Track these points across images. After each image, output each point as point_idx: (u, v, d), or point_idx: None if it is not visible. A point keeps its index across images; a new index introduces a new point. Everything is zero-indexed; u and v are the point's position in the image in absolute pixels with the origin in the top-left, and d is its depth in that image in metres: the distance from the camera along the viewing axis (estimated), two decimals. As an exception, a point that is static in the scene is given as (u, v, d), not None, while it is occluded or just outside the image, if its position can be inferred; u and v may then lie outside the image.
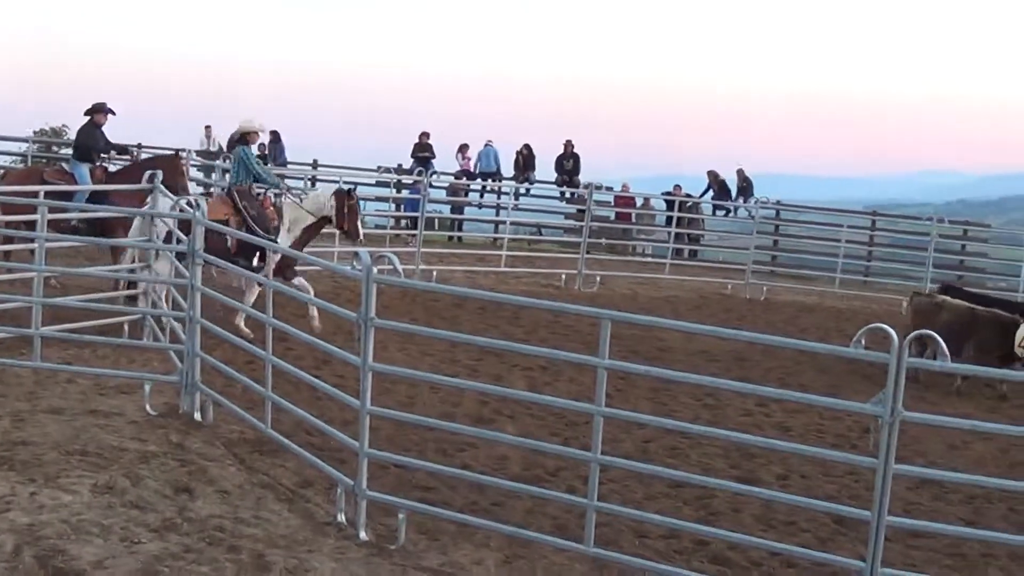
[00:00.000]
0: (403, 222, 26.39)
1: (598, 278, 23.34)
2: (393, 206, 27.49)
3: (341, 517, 8.78)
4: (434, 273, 21.55)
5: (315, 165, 31.35)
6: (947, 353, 7.48)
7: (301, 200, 16.41)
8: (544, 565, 8.32)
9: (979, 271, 30.43)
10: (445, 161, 31.46)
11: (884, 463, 7.12)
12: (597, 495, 8.15)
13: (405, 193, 28.41)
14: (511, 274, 23.62)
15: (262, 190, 16.21)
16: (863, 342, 7.44)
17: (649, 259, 28.12)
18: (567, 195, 29.85)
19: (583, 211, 25.08)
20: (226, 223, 15.35)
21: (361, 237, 16.80)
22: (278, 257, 14.73)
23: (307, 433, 10.50)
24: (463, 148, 31.55)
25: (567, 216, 29.79)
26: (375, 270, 8.49)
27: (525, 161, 31.34)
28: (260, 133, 16.94)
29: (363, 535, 8.50)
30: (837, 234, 27.47)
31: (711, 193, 30.90)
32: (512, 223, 27.86)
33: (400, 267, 9.96)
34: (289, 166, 31.15)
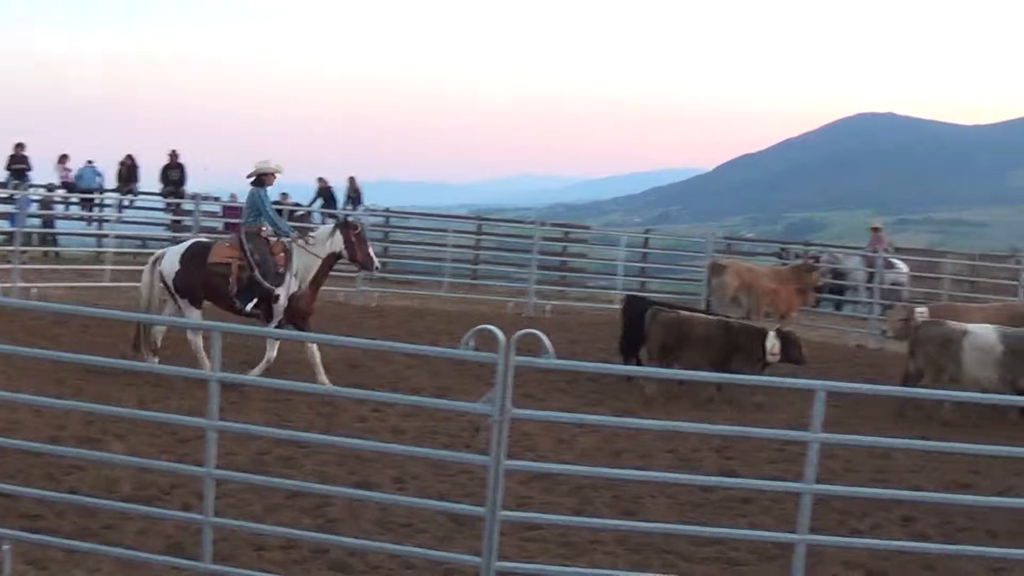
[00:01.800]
0: (-1, 237, 25.13)
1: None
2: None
3: (-63, 553, 8.26)
4: (33, 291, 20.60)
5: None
6: (551, 350, 7.72)
7: (308, 244, 15.92)
8: (160, 586, 8.12)
9: (580, 271, 31.74)
10: (43, 173, 30.07)
11: (496, 460, 7.31)
12: (213, 510, 8.01)
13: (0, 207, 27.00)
14: (116, 289, 22.78)
15: (275, 235, 15.83)
16: (472, 343, 7.61)
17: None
18: (173, 206, 29.20)
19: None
20: (229, 266, 15.40)
21: (377, 265, 16.68)
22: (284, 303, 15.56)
23: None
24: (63, 159, 30.29)
25: (173, 227, 29.11)
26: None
27: (128, 172, 30.42)
28: (277, 175, 16.24)
29: (-38, 570, 8.05)
30: (444, 239, 28.02)
31: (320, 201, 30.93)
32: (116, 236, 26.95)
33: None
34: None
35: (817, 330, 24.04)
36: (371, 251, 16.24)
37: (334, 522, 9.69)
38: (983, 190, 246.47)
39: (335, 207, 30.54)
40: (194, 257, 15.61)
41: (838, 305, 27.70)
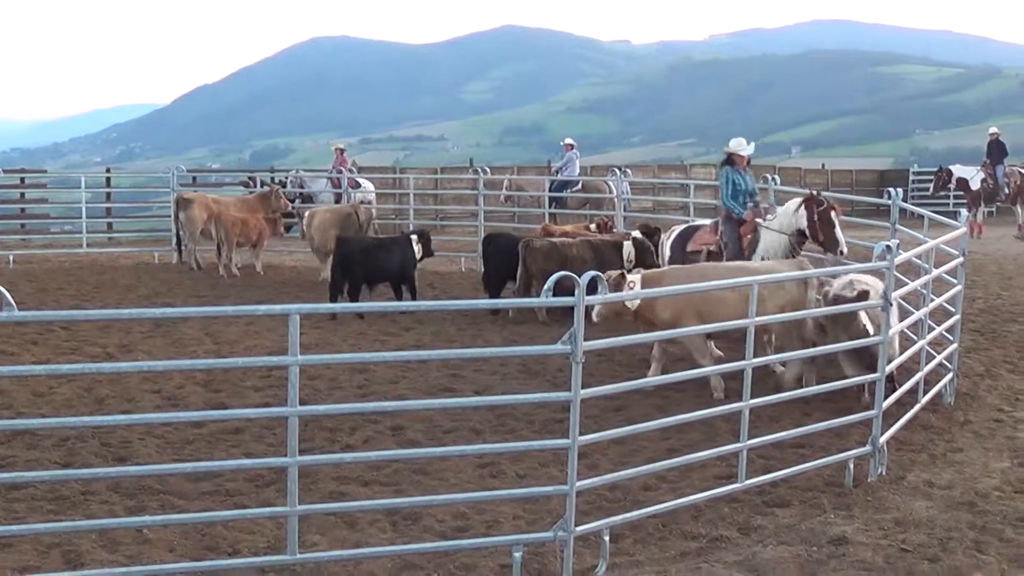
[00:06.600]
0: None
1: None
2: None
3: None
4: None
5: None
6: (12, 303, 7.37)
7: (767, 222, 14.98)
8: None
9: (42, 217, 30.58)
10: None
11: (-34, 422, 6.97)
12: None
13: None
14: None
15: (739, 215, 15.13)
16: None
17: None
18: None
19: None
20: (700, 254, 15.28)
21: (844, 248, 14.60)
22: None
23: None
24: None
25: None
26: None
27: None
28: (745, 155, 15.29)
29: None
30: None
31: None
32: None
33: None
34: None
35: (292, 255, 24.39)
36: (837, 232, 14.59)
37: None
38: (439, 106, 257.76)
39: None
40: (678, 242, 15.88)
41: (310, 228, 28.16)
